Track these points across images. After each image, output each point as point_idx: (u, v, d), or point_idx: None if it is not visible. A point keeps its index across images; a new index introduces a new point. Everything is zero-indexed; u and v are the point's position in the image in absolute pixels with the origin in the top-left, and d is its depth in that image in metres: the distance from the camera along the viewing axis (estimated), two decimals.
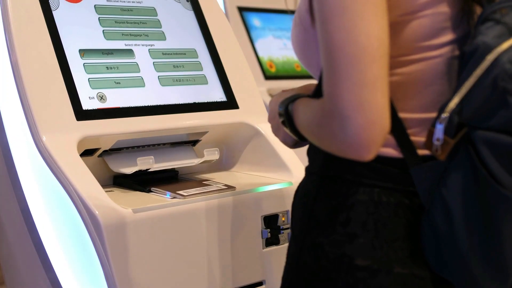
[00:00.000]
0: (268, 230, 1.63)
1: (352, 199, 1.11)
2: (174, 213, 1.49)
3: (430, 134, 1.05)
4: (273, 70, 3.27)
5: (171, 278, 1.48)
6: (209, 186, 1.62)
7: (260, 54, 3.26)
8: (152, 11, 1.81)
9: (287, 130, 1.18)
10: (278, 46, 3.37)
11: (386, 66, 1.00)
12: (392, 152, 1.11)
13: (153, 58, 1.74)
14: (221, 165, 1.88)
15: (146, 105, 1.66)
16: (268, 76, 3.22)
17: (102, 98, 1.60)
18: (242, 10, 3.30)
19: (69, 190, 1.41)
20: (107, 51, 1.67)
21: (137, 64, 1.70)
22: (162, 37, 1.79)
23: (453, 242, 1.06)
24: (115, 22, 1.72)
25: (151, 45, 1.75)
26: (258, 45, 3.27)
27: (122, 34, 1.72)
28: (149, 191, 1.60)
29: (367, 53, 0.98)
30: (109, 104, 1.61)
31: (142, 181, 1.65)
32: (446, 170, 1.06)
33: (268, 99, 2.87)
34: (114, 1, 1.75)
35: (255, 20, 3.34)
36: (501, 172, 1.01)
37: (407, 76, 1.10)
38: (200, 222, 1.52)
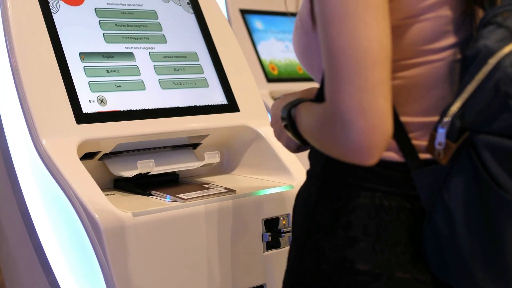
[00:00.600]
0: (269, 233, 1.63)
1: (354, 203, 1.11)
2: (174, 216, 1.49)
3: (432, 138, 1.05)
4: (275, 72, 3.26)
5: (171, 282, 1.48)
6: (209, 190, 1.62)
7: (263, 57, 3.25)
8: (153, 14, 1.80)
9: (289, 135, 1.18)
10: (281, 49, 3.36)
11: (388, 70, 0.99)
12: (393, 156, 1.10)
13: (153, 61, 1.74)
14: (222, 168, 1.88)
15: (147, 108, 1.66)
16: (270, 79, 3.22)
17: (102, 101, 1.60)
18: (244, 12, 3.30)
19: (69, 193, 1.41)
20: (108, 54, 1.67)
21: (137, 67, 1.70)
22: (162, 40, 1.78)
23: (455, 246, 1.06)
24: (116, 25, 1.72)
25: (152, 48, 1.75)
26: (260, 48, 3.27)
27: (123, 37, 1.72)
28: (150, 194, 1.60)
29: (368, 57, 0.97)
30: (109, 107, 1.60)
31: (143, 185, 1.64)
32: (448, 174, 1.06)
33: (270, 102, 2.87)
34: (115, 4, 1.75)
35: (257, 23, 3.33)
36: (503, 176, 1.01)
37: (409, 80, 1.10)
38: (201, 226, 1.52)
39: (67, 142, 1.49)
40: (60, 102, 1.53)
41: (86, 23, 1.68)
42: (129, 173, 1.61)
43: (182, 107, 1.72)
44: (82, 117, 1.54)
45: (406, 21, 1.07)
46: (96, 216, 1.37)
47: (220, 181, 1.76)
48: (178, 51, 1.79)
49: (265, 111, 1.86)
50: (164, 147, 1.74)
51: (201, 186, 1.66)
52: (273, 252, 1.64)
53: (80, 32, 1.65)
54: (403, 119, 1.10)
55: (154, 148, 1.72)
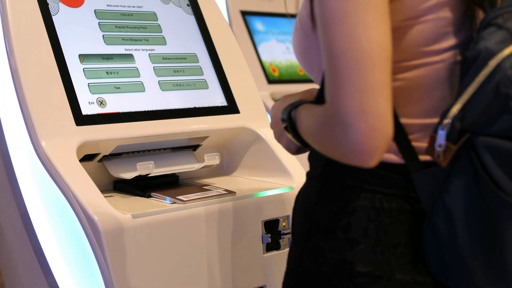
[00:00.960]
0: (269, 235, 1.63)
1: (353, 205, 1.11)
2: (174, 218, 1.48)
3: (432, 140, 1.04)
4: (276, 74, 3.26)
5: (171, 284, 1.48)
6: (209, 191, 1.61)
7: (263, 58, 3.25)
8: (153, 16, 1.80)
9: (290, 136, 1.18)
10: (281, 50, 3.36)
11: (388, 72, 0.99)
12: (393, 158, 1.10)
13: (153, 63, 1.73)
14: (222, 170, 1.88)
15: (146, 110, 1.66)
16: (271, 80, 3.22)
17: (102, 103, 1.60)
18: (245, 14, 3.30)
19: (68, 196, 1.41)
20: (107, 56, 1.67)
21: (137, 69, 1.70)
22: (162, 41, 1.78)
23: (455, 248, 1.06)
24: (115, 26, 1.72)
25: (152, 50, 1.75)
26: (261, 49, 3.27)
27: (122, 39, 1.71)
28: (149, 196, 1.60)
29: (368, 58, 0.97)
30: (109, 109, 1.60)
31: (142, 186, 1.64)
32: (448, 176, 1.06)
33: (271, 103, 2.87)
34: (114, 5, 1.75)
35: (258, 24, 3.33)
36: (503, 178, 1.01)
37: (409, 82, 1.10)
38: (200, 227, 1.52)
39: (67, 144, 1.49)
40: (59, 104, 1.53)
41: (85, 24, 1.67)
42: (128, 175, 1.61)
43: (181, 109, 1.72)
44: (81, 119, 1.54)
45: (406, 22, 1.07)
46: (96, 218, 1.37)
47: (220, 182, 1.75)
48: (178, 53, 1.79)
49: (265, 113, 1.85)
50: (164, 149, 1.74)
51: (201, 188, 1.65)
52: (273, 254, 1.64)
53: (80, 34, 1.65)
54: (403, 120, 1.10)
55: (154, 150, 1.71)
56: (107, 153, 1.62)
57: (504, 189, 1.01)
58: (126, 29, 1.73)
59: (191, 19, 1.86)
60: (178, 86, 1.75)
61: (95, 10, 1.71)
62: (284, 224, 1.65)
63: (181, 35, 1.82)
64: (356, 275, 1.10)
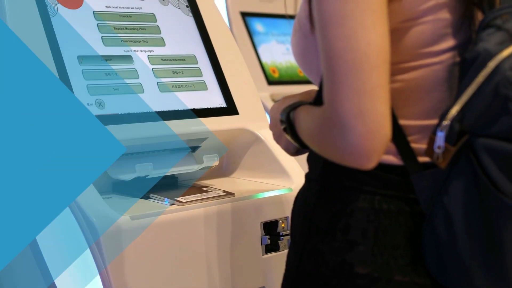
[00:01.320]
0: (268, 236, 1.63)
1: (352, 206, 1.11)
2: (173, 220, 1.48)
3: (431, 141, 1.04)
4: (276, 75, 3.26)
5: (170, 286, 1.47)
6: (208, 193, 1.61)
7: (263, 59, 3.25)
8: (152, 17, 1.80)
9: (288, 138, 1.18)
10: (281, 51, 3.37)
11: (386, 74, 0.99)
12: (392, 159, 1.10)
13: (152, 64, 1.73)
14: (221, 171, 1.87)
15: (145, 111, 1.65)
16: (271, 81, 3.22)
17: (100, 104, 1.60)
18: (245, 15, 3.30)
19: None
20: (106, 57, 1.67)
21: (136, 70, 1.70)
22: (161, 43, 1.78)
23: (454, 250, 1.06)
24: (114, 28, 1.72)
25: (150, 51, 1.74)
26: (261, 50, 3.27)
27: (121, 40, 1.71)
28: (148, 197, 1.60)
29: (367, 60, 0.97)
30: (107, 110, 1.60)
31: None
32: (447, 177, 1.05)
33: (271, 105, 2.87)
34: (113, 7, 1.75)
35: (258, 25, 3.34)
36: (502, 180, 1.00)
37: (407, 83, 1.09)
38: (199, 229, 1.52)
39: None
40: None
41: (84, 26, 1.67)
42: (127, 176, 1.61)
43: (181, 110, 1.71)
44: None
45: (405, 24, 1.07)
46: (94, 219, 1.37)
47: (219, 184, 1.75)
48: (177, 54, 1.79)
49: (264, 114, 1.85)
50: (163, 150, 1.73)
51: (200, 189, 1.65)
52: (272, 255, 1.64)
53: (79, 35, 1.65)
54: (402, 122, 1.10)
55: (153, 151, 1.71)
56: None
57: (503, 191, 1.00)
58: (125, 31, 1.73)
59: (190, 20, 1.86)
60: (177, 87, 1.75)
61: (94, 12, 1.71)
62: (283, 225, 1.64)
63: (180, 36, 1.82)
64: (355, 276, 1.10)
